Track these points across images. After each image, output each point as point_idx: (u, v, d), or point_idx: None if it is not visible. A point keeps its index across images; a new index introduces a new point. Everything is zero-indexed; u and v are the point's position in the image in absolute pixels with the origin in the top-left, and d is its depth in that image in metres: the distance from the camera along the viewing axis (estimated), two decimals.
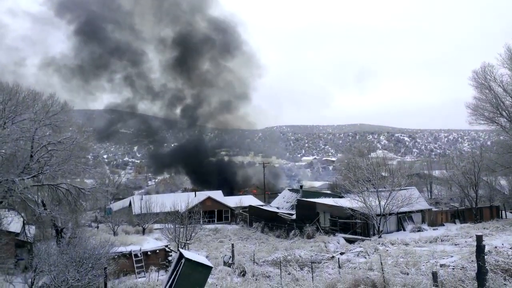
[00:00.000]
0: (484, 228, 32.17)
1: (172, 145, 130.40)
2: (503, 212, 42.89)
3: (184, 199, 41.82)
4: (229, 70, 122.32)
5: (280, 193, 61.76)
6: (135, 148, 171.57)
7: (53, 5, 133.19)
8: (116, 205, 59.95)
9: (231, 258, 25.22)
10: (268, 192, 73.92)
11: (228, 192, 69.55)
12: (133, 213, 47.21)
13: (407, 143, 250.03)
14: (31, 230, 28.10)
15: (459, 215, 40.36)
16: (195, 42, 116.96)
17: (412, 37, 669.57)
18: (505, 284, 13.90)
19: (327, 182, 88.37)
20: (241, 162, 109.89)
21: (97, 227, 43.22)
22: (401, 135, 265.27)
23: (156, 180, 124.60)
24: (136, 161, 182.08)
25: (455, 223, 39.09)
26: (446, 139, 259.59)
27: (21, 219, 26.84)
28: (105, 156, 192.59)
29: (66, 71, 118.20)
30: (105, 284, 19.66)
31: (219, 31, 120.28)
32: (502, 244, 22.44)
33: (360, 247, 27.02)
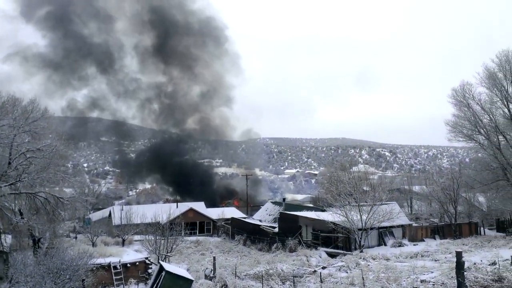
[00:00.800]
0: (463, 244, 32.38)
1: (138, 149, 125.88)
2: (482, 228, 43.56)
3: (165, 210, 41.20)
4: (212, 71, 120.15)
5: (262, 205, 60.93)
6: (117, 157, 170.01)
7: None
8: (95, 215, 58.87)
9: (212, 272, 24.71)
10: (251, 205, 73.19)
11: (211, 204, 68.61)
12: (113, 224, 46.42)
13: (388, 158, 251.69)
14: (7, 239, 27.40)
15: (438, 231, 40.81)
16: (176, 31, 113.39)
17: (400, 51, 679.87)
18: None
19: (310, 195, 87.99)
20: (224, 174, 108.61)
21: (76, 237, 42.24)
22: (382, 150, 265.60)
23: (137, 190, 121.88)
24: (117, 170, 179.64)
25: (435, 238, 39.38)
26: (425, 155, 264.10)
27: None
28: (85, 165, 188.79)
29: (32, 65, 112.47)
30: None
31: (202, 25, 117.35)
32: (481, 261, 22.80)
33: (342, 261, 26.85)
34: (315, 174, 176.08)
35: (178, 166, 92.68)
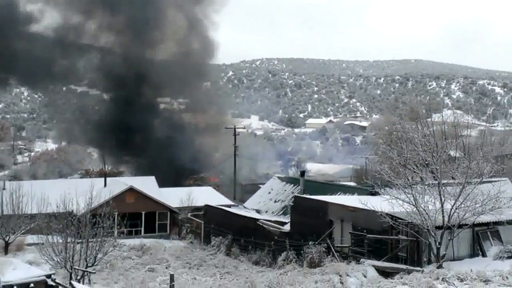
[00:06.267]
0: None
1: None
2: None
3: (83, 190, 31.34)
4: None
5: (263, 183, 50.94)
6: None
7: None
8: None
9: None
10: (242, 183, 59.93)
11: (168, 180, 53.62)
12: None
13: (498, 98, 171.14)
14: None
15: None
16: None
17: None
18: None
19: (351, 166, 72.08)
20: (194, 125, 75.99)
21: None
22: (488, 83, 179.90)
23: (33, 153, 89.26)
24: None
25: None
26: None
27: None
28: None
29: None
30: None
31: None
32: None
33: (404, 284, 22.39)
34: (363, 127, 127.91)
35: (111, 110, 69.69)
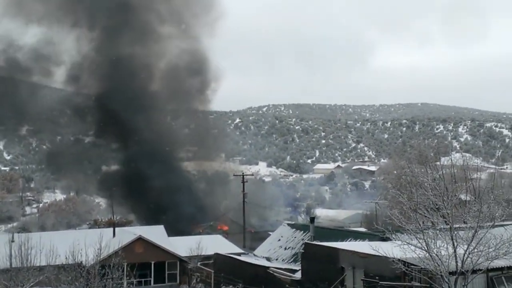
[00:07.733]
0: None
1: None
2: None
3: (92, 241, 31.05)
4: None
5: (272, 231, 49.91)
6: (1, 143, 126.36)
7: None
8: None
9: None
10: (251, 230, 58.93)
11: (177, 229, 52.83)
12: None
13: (507, 140, 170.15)
14: None
15: None
16: None
17: None
18: None
19: (360, 212, 70.05)
20: (202, 172, 77.53)
21: None
22: (496, 126, 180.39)
23: (41, 204, 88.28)
24: (4, 168, 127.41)
25: None
26: None
27: None
28: None
29: None
30: None
31: None
32: None
33: None
34: (371, 172, 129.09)
35: (118, 160, 70.46)
